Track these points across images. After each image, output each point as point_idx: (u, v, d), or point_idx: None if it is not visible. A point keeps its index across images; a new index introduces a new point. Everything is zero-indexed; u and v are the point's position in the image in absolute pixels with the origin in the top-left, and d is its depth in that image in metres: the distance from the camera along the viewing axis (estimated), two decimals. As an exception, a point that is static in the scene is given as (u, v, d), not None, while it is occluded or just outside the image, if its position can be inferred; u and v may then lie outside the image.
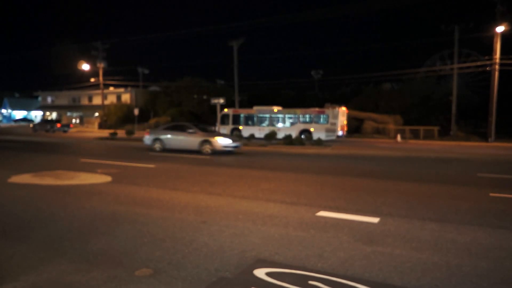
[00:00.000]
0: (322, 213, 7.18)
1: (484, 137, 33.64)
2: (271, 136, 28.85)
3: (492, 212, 7.64)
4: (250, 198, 8.51)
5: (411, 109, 41.56)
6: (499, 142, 31.71)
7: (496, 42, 32.26)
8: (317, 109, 33.05)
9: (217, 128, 33.30)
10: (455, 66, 38.03)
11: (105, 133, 37.66)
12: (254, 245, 5.38)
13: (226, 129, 34.26)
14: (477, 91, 44.87)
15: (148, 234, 5.81)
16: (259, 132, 33.35)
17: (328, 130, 30.94)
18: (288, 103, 41.75)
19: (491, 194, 9.40)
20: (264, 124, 33.96)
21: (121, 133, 34.94)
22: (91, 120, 64.57)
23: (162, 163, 14.90)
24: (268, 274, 4.32)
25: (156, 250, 5.11)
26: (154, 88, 63.38)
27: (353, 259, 4.91)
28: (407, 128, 37.89)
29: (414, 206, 8.03)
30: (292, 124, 32.89)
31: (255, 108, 35.22)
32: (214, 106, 27.95)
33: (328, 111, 31.64)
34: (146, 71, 68.36)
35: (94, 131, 50.84)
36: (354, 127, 40.27)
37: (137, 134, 34.94)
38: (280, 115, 33.76)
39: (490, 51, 32.69)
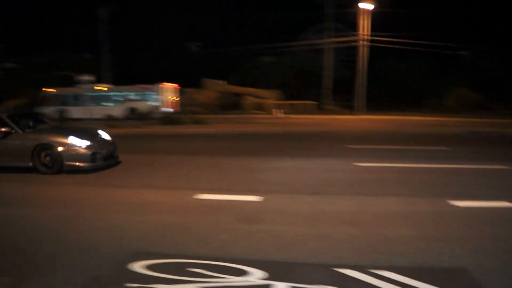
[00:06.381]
0: (203, 196, 7.06)
1: (354, 109, 36.51)
2: (145, 115, 28.36)
3: (359, 181, 8.33)
4: (124, 187, 8.07)
5: (289, 83, 43.12)
6: (367, 114, 34.72)
7: (362, 19, 34.80)
8: (144, 86, 32.96)
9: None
10: (326, 40, 40.15)
11: None
12: (130, 237, 5.09)
13: (51, 111, 31.32)
14: (347, 66, 48.15)
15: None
16: (90, 113, 31.59)
17: (155, 107, 31.15)
18: (167, 79, 40.57)
19: (358, 164, 10.19)
20: (93, 104, 32.58)
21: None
22: None
23: None
24: (146, 266, 4.10)
25: (15, 255, 4.54)
26: (11, 65, 56.23)
27: (234, 240, 4.92)
28: (286, 102, 39.37)
29: (295, 181, 8.36)
30: (120, 102, 32.33)
31: (83, 86, 33.77)
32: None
33: (155, 87, 31.87)
34: (1, 45, 60.24)
35: None
36: (234, 102, 40.71)
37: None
38: (109, 94, 33.02)
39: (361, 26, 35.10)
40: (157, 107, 30.94)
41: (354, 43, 36.93)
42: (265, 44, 40.24)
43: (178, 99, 33.66)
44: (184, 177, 8.99)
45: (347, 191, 7.47)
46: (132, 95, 32.27)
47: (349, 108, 38.59)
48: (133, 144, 15.38)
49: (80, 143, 9.31)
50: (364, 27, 35.13)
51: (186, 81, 39.08)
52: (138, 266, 4.13)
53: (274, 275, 3.86)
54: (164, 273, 3.96)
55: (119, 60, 47.11)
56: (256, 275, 3.89)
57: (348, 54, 46.48)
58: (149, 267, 4.10)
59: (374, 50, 37.03)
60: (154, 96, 31.43)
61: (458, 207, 6.27)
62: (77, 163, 9.15)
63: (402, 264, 4.18)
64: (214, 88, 41.90)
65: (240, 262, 4.20)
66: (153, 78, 38.26)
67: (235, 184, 8.18)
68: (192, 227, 5.50)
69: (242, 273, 3.94)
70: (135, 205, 6.66)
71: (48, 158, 9.19)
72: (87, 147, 9.33)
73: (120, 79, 43.25)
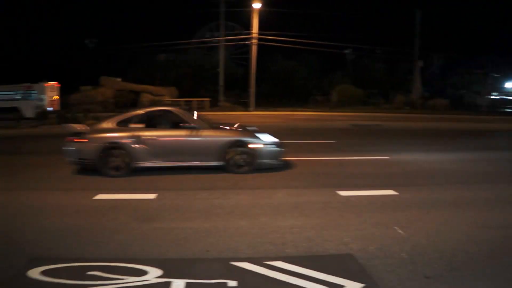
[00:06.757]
0: (100, 196, 7.01)
1: (247, 106, 37.49)
2: (44, 115, 26.88)
3: (251, 175, 8.67)
4: (15, 189, 7.65)
5: (185, 80, 42.99)
6: (258, 110, 35.80)
7: (254, 18, 35.83)
8: (26, 84, 31.47)
9: None
10: (220, 38, 40.75)
11: None
12: (26, 242, 4.96)
13: None
14: (240, 63, 49.23)
15: None
16: None
17: (37, 107, 30.06)
18: (60, 78, 38.08)
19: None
20: None
21: None
22: None
23: None
24: (43, 272, 4.06)
25: None
26: None
27: (132, 239, 5.04)
28: (182, 100, 39.14)
29: (188, 178, 8.61)
30: (2, 101, 30.51)
31: None
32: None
33: (36, 86, 30.74)
34: None
35: None
36: (132, 100, 39.50)
37: None
38: None
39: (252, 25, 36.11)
40: (42, 106, 29.16)
41: (247, 41, 37.90)
42: (161, 41, 39.44)
43: (58, 97, 32.07)
44: (82, 177, 8.60)
45: (241, 185, 7.88)
46: (13, 94, 29.93)
47: (241, 104, 39.53)
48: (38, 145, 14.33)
49: (272, 140, 9.10)
50: (255, 25, 36.19)
51: (84, 79, 37.12)
52: (36, 273, 4.04)
53: (172, 273, 4.03)
54: (62, 278, 3.95)
55: (12, 58, 42.98)
56: (153, 273, 4.02)
57: (240, 52, 47.64)
58: (46, 273, 4.04)
59: (265, 48, 38.36)
60: (37, 95, 29.63)
61: (344, 196, 6.97)
62: (271, 161, 8.94)
63: (293, 253, 4.60)
64: (111, 86, 40.14)
65: (138, 261, 4.31)
66: (49, 76, 35.66)
67: (131, 183, 8.10)
68: (89, 228, 5.47)
69: (140, 272, 4.05)
70: (31, 208, 6.38)
71: (244, 156, 8.75)
72: (278, 144, 9.16)
73: (13, 77, 39.54)
